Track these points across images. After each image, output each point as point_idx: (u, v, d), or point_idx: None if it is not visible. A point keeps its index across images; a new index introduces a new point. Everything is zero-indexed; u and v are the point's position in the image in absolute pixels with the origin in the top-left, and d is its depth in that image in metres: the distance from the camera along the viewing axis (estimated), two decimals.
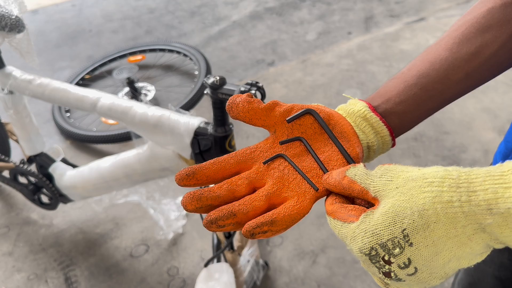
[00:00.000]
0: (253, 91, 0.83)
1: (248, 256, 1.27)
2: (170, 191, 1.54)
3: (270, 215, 0.37)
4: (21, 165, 1.40)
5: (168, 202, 1.53)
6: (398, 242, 0.33)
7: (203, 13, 3.05)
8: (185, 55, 2.30)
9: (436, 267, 0.33)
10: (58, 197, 1.39)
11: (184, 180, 0.40)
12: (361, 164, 0.39)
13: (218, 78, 0.89)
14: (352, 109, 0.45)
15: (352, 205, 0.37)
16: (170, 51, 2.37)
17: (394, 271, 0.33)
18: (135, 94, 2.09)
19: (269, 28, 2.84)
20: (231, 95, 0.88)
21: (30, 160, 1.42)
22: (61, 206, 1.47)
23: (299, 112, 0.43)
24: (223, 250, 1.10)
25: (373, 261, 0.34)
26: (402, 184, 0.34)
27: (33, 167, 1.41)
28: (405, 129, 0.47)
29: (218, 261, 1.17)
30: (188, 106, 1.91)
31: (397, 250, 0.33)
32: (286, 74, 2.39)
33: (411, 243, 0.32)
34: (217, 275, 1.08)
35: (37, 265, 1.49)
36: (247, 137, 1.96)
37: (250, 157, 0.43)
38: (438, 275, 0.33)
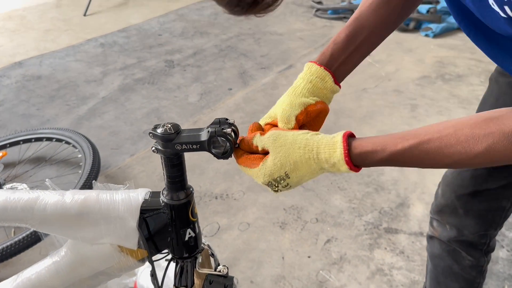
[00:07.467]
0: (229, 130, 0.63)
1: None
2: None
3: None
4: None
5: None
6: (283, 177, 0.60)
7: (64, 95, 2.70)
8: (58, 140, 1.93)
9: (299, 183, 0.62)
10: None
11: None
12: (258, 133, 0.64)
13: (170, 125, 0.67)
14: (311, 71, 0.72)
15: (253, 155, 0.63)
16: (38, 139, 1.96)
17: (279, 188, 0.62)
18: None
19: (146, 97, 2.64)
20: (197, 142, 0.67)
21: None
22: None
23: None
24: None
25: (270, 186, 0.62)
26: (283, 144, 0.60)
27: None
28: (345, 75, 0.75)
29: None
30: None
31: (282, 181, 0.61)
32: None
33: (289, 176, 0.60)
34: None
35: None
36: (201, 173, 1.67)
37: None
38: (298, 184, 0.62)
